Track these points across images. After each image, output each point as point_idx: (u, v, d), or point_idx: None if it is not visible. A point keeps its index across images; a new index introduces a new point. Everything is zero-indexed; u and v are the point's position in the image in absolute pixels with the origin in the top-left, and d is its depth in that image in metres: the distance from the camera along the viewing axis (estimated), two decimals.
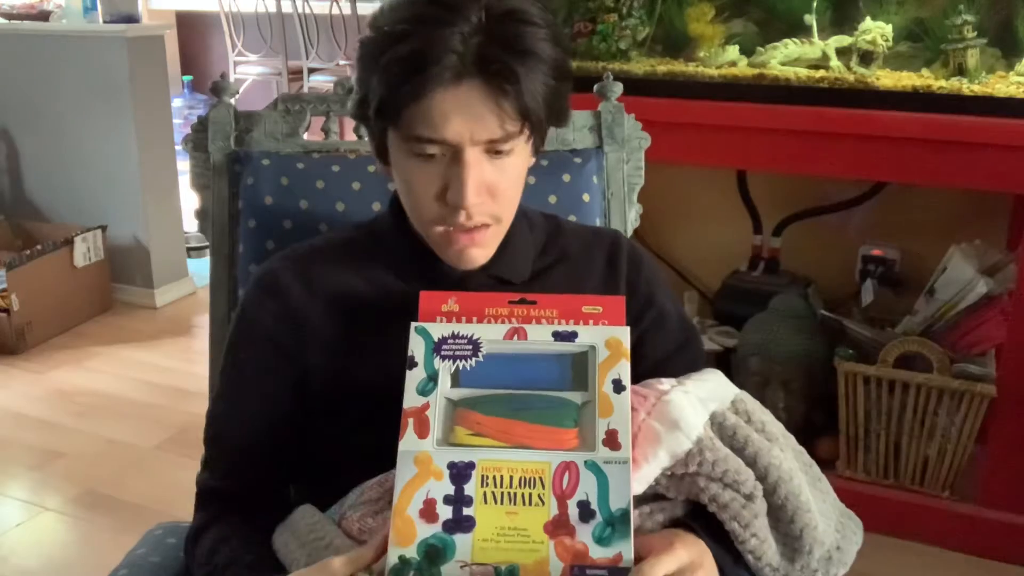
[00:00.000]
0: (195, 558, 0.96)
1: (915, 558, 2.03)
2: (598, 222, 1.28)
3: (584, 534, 0.74)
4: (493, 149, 0.89)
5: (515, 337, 0.84)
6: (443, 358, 0.83)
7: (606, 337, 0.83)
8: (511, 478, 0.76)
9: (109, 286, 3.44)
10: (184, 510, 1.02)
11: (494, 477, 0.76)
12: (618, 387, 0.80)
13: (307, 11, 4.88)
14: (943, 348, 1.98)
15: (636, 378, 0.84)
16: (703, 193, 2.49)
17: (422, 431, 0.79)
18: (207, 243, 1.28)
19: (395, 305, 0.98)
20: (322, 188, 1.22)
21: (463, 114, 0.85)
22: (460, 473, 0.77)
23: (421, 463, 0.78)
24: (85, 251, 3.30)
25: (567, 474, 0.76)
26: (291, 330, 0.97)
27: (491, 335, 0.84)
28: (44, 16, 3.66)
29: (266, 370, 0.98)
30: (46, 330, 3.18)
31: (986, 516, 2.02)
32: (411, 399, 0.81)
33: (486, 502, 0.76)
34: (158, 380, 2.92)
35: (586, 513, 0.74)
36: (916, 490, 2.09)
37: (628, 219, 1.34)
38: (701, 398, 0.86)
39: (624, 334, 0.83)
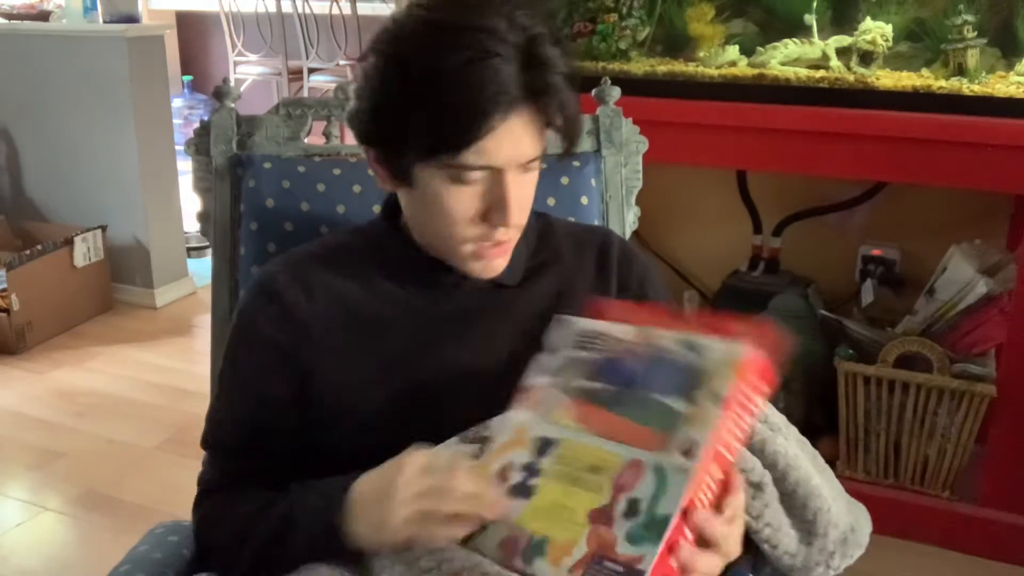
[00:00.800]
0: (218, 537, 0.96)
1: (915, 558, 2.03)
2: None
3: (620, 528, 0.75)
4: (527, 167, 0.91)
5: (643, 340, 0.87)
6: (574, 348, 0.88)
7: (724, 351, 0.83)
8: (583, 462, 0.80)
9: (109, 286, 3.44)
10: (185, 510, 1.03)
11: (569, 457, 0.81)
12: (716, 400, 0.80)
13: (307, 11, 4.87)
14: (943, 348, 1.98)
15: None
16: (703, 193, 2.49)
17: (531, 406, 0.86)
18: (207, 243, 1.29)
19: (392, 310, 0.99)
20: (323, 191, 1.22)
21: (513, 141, 0.88)
22: (543, 448, 0.82)
23: (518, 432, 0.84)
24: (85, 251, 3.30)
25: (631, 470, 0.78)
26: (289, 334, 0.98)
27: (621, 334, 0.88)
28: (44, 16, 3.66)
29: (264, 373, 0.99)
30: (46, 330, 3.18)
31: (986, 516, 2.02)
32: (533, 378, 0.88)
33: (553, 477, 0.80)
34: (158, 380, 2.92)
35: (632, 511, 0.76)
36: (916, 490, 2.09)
37: (626, 222, 1.34)
38: None
39: (741, 351, 0.82)
